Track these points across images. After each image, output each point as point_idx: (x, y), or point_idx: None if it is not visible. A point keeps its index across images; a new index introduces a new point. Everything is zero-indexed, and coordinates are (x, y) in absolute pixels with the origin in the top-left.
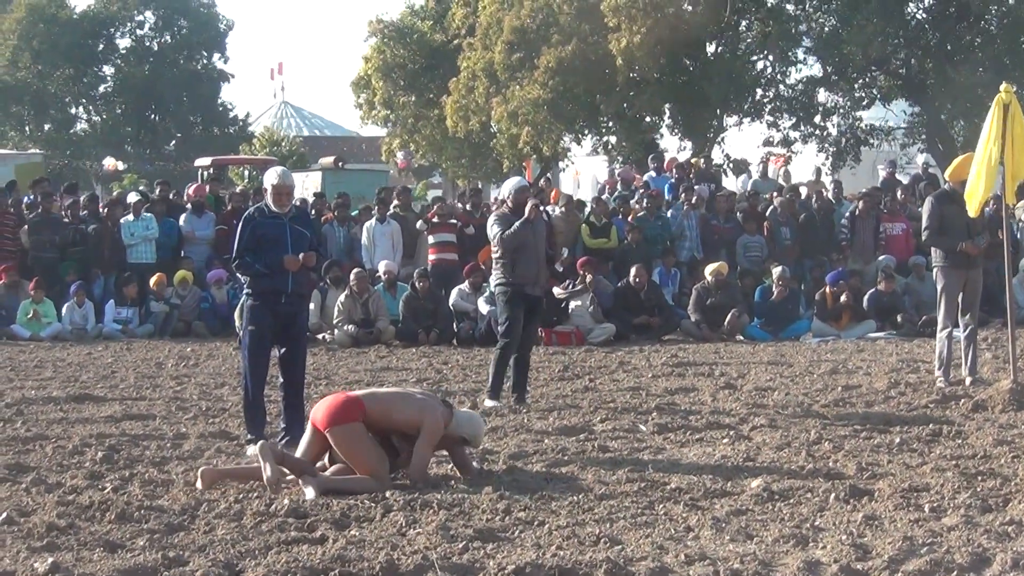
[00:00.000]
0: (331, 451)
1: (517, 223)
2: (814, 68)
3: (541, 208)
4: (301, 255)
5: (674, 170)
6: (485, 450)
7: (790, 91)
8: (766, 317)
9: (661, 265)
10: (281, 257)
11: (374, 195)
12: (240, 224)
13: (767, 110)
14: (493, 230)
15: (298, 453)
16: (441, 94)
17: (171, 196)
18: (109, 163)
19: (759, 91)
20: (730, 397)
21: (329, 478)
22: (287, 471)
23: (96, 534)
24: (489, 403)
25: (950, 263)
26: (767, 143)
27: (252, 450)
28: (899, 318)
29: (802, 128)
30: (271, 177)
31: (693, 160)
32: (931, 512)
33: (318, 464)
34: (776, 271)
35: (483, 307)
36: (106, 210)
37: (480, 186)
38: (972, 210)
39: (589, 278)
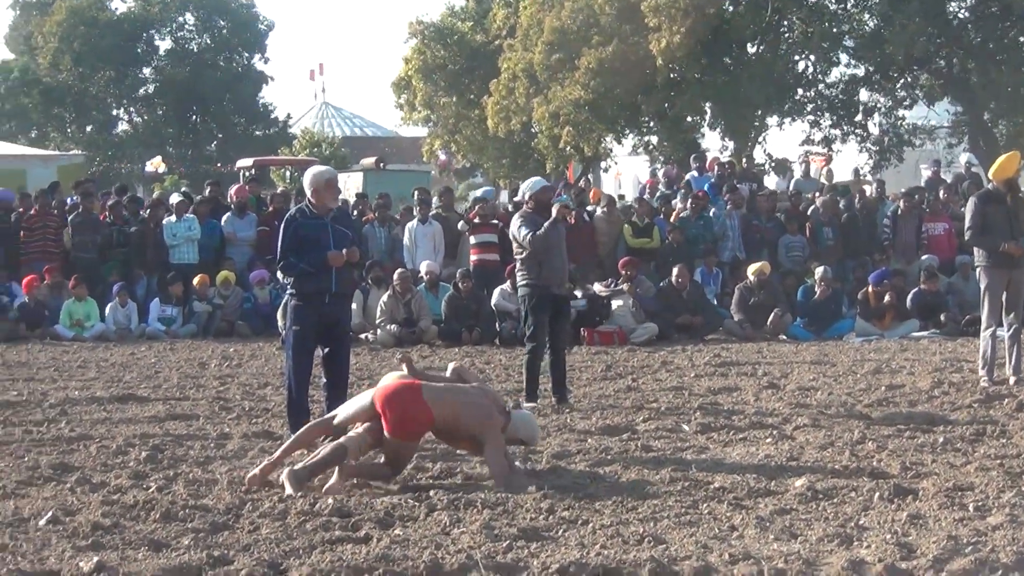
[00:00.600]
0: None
1: (546, 224)
2: (856, 68)
3: (572, 209)
4: (345, 250)
5: (715, 169)
6: (529, 449)
7: (831, 91)
8: (809, 317)
9: (703, 265)
10: (324, 255)
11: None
12: (282, 226)
13: (808, 109)
14: (521, 231)
15: (350, 410)
16: (482, 95)
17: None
18: (153, 163)
19: (800, 91)
20: (773, 397)
21: (357, 466)
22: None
23: (141, 533)
24: (527, 405)
25: (993, 263)
26: (807, 142)
27: None
28: (942, 317)
29: (843, 127)
30: (320, 175)
31: (732, 160)
32: (975, 511)
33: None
34: (818, 271)
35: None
36: (149, 211)
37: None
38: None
39: (627, 286)
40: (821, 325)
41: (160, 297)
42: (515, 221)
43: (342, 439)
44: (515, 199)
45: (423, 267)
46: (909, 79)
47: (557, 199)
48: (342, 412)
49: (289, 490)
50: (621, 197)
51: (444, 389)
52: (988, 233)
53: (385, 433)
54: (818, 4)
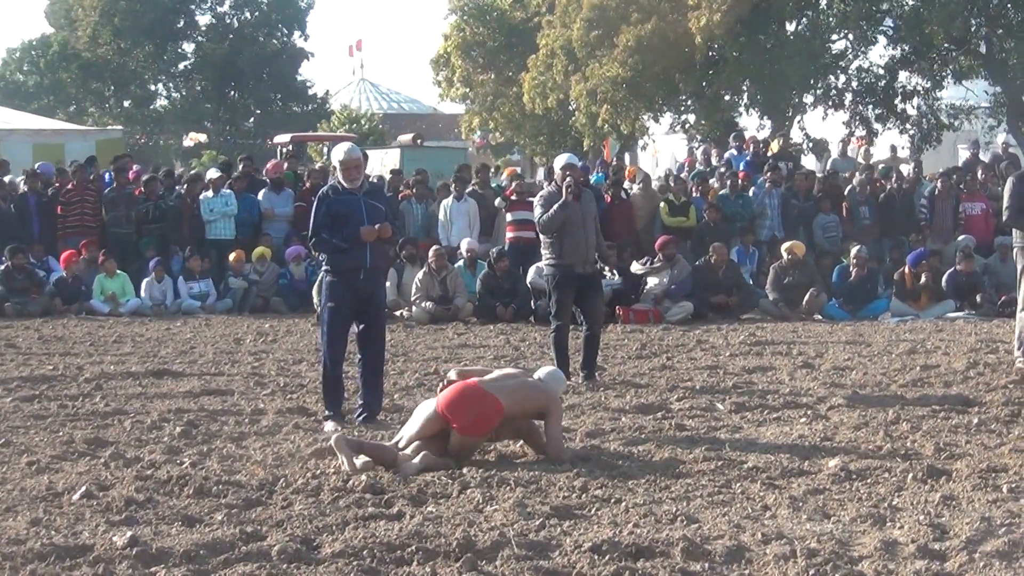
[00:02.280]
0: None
1: (555, 207)
2: (894, 50)
3: (578, 184)
4: (377, 226)
5: (750, 148)
6: (563, 428)
7: (869, 76)
8: (844, 296)
9: (740, 244)
10: (358, 230)
11: (452, 172)
12: (315, 203)
13: (848, 99)
14: (537, 211)
15: (414, 428)
16: (520, 72)
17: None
18: (191, 137)
19: (839, 74)
20: (808, 376)
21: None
22: (368, 458)
23: (174, 508)
24: None
25: None
26: (849, 123)
27: (329, 426)
28: (978, 298)
29: (882, 110)
30: (337, 153)
31: (771, 140)
32: (1009, 493)
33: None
34: (854, 250)
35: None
36: (186, 186)
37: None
38: None
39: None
40: (857, 305)
41: (184, 275)
42: (536, 199)
43: (398, 454)
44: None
45: (463, 244)
46: (946, 59)
47: (597, 176)
48: (406, 432)
49: (341, 457)
50: (665, 175)
51: (498, 378)
52: None
53: (455, 434)
54: None
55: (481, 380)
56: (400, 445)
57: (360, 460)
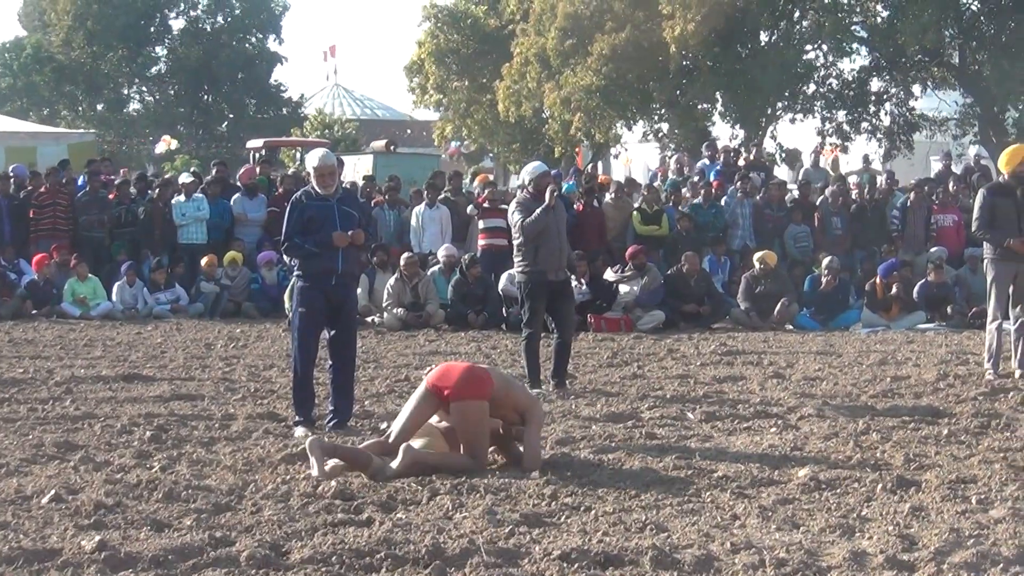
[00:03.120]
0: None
1: (538, 210)
2: (867, 58)
3: (557, 194)
4: (350, 232)
5: (723, 157)
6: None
7: (841, 82)
8: (815, 306)
9: (712, 253)
10: (330, 236)
11: (425, 179)
12: (288, 208)
13: (819, 104)
14: (514, 217)
15: (405, 415)
16: (494, 79)
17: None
18: (163, 141)
19: (812, 83)
20: (778, 386)
21: (425, 453)
22: (341, 461)
23: (143, 513)
24: (531, 392)
25: (1000, 256)
26: (820, 134)
27: (300, 432)
28: (949, 310)
29: (854, 115)
30: (312, 160)
31: (743, 151)
32: (978, 504)
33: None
34: (825, 261)
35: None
36: (158, 190)
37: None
38: None
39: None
40: (828, 315)
41: (148, 287)
42: (512, 207)
43: (375, 458)
44: (517, 184)
45: (441, 251)
46: (919, 69)
47: (568, 184)
48: (396, 424)
49: (311, 460)
50: (632, 182)
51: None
52: (996, 226)
53: (457, 411)
54: None
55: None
56: (391, 440)
57: (331, 464)
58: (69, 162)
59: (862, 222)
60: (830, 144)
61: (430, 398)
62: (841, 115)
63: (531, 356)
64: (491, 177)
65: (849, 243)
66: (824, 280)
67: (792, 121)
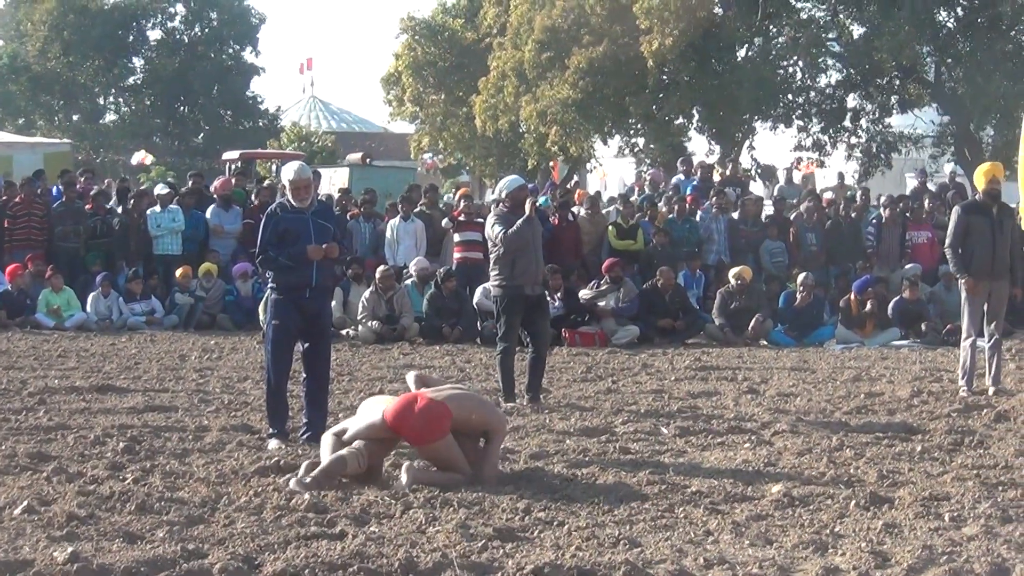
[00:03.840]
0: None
1: (519, 221)
2: (843, 74)
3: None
4: (324, 245)
5: (698, 172)
6: (506, 449)
7: (819, 95)
8: (790, 323)
9: (687, 268)
10: (305, 249)
11: (401, 192)
12: (263, 220)
13: (796, 114)
14: (494, 229)
15: (358, 427)
16: (471, 92)
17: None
18: (139, 156)
19: (788, 96)
20: (752, 402)
21: (425, 470)
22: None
23: (116, 525)
24: (506, 405)
25: (973, 274)
26: (798, 147)
27: (273, 444)
28: (923, 326)
29: (831, 132)
30: (288, 173)
31: (718, 166)
32: (951, 521)
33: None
34: (800, 277)
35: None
36: (132, 201)
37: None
38: None
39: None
40: (802, 331)
41: (124, 296)
42: (490, 219)
43: (343, 451)
44: (492, 197)
45: (413, 265)
46: (895, 86)
47: (543, 198)
48: (352, 427)
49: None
50: (611, 199)
51: (445, 388)
52: (970, 244)
53: (424, 450)
54: (807, 10)
55: (427, 391)
56: (345, 438)
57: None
58: (44, 172)
59: (837, 238)
60: (807, 159)
61: (386, 429)
62: (817, 128)
63: (506, 370)
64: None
65: (824, 259)
66: (799, 296)
67: (773, 129)
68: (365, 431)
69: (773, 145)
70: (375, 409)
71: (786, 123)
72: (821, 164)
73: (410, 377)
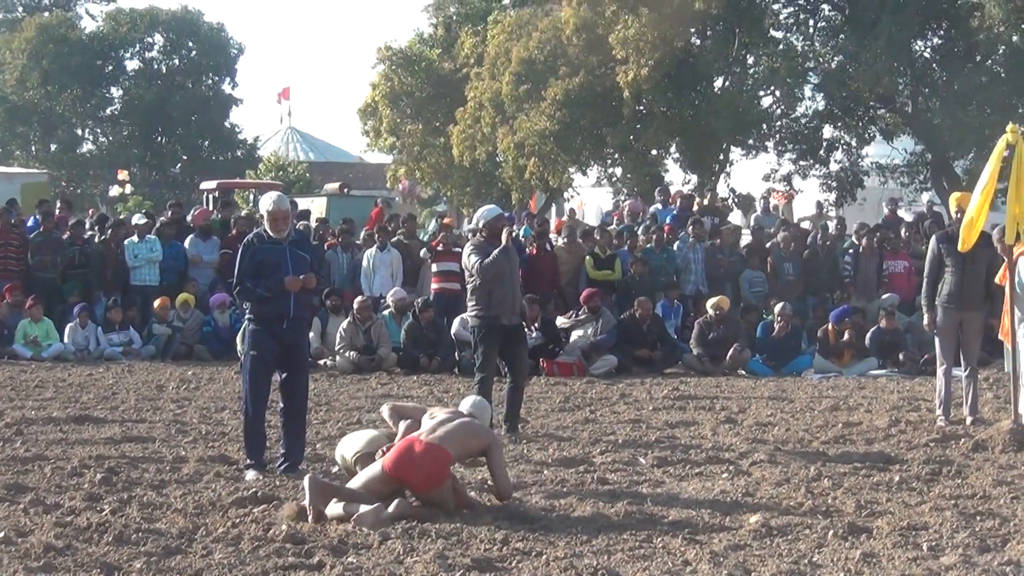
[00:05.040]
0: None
1: (495, 251)
2: (820, 103)
3: (514, 236)
4: (302, 276)
5: (678, 202)
6: (485, 479)
7: (795, 124)
8: (768, 352)
9: (664, 298)
10: (282, 279)
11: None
12: (240, 250)
13: (772, 144)
14: (471, 260)
15: (359, 487)
16: (448, 123)
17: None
18: (118, 184)
19: (764, 126)
20: (730, 432)
21: (411, 505)
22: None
23: (93, 556)
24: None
25: (946, 303)
26: (769, 177)
27: (251, 475)
28: (901, 356)
29: (806, 160)
30: (266, 203)
31: (697, 200)
32: (929, 551)
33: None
34: (777, 307)
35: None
36: (110, 231)
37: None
38: (963, 245)
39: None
40: (780, 361)
41: (103, 326)
42: (466, 249)
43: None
44: (469, 227)
45: (391, 295)
46: (871, 116)
47: (522, 229)
48: (353, 484)
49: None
50: (587, 233)
51: (433, 425)
52: (945, 272)
53: (422, 495)
54: (784, 40)
55: (420, 434)
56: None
57: (334, 509)
58: (16, 201)
59: (814, 268)
60: (778, 190)
61: (390, 482)
62: (788, 162)
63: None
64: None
65: (801, 289)
66: (776, 326)
67: (747, 155)
68: (367, 484)
69: (750, 174)
70: (373, 468)
71: (762, 150)
72: (791, 197)
73: (385, 411)
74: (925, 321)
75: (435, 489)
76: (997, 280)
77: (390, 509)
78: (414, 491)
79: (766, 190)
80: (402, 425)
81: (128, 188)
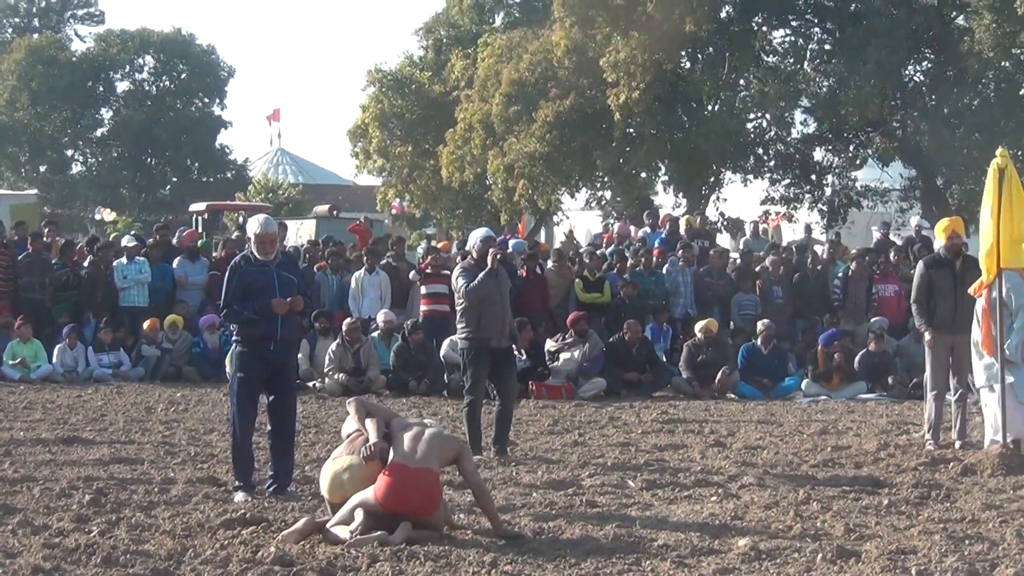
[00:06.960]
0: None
1: (481, 275)
2: (810, 127)
3: (498, 258)
4: (289, 299)
5: (667, 225)
6: (473, 503)
7: (787, 148)
8: (752, 372)
9: (653, 321)
10: (269, 302)
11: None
12: (227, 273)
13: (765, 168)
14: (459, 282)
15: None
16: (438, 145)
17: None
18: (103, 212)
19: (758, 150)
20: (719, 455)
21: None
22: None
23: None
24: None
25: (935, 327)
26: (766, 201)
27: (239, 497)
28: (890, 380)
29: (799, 186)
30: (253, 226)
31: (686, 218)
32: (918, 575)
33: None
34: (760, 324)
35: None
36: (99, 253)
37: None
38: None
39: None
40: (766, 378)
41: (93, 346)
42: (455, 272)
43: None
44: (462, 249)
45: (380, 317)
46: (862, 140)
47: (519, 241)
48: (343, 521)
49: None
50: (575, 257)
51: (410, 442)
52: (933, 297)
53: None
54: (775, 64)
55: (401, 456)
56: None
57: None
58: (2, 223)
59: (803, 291)
60: (775, 212)
61: (388, 516)
62: (786, 180)
63: (472, 423)
64: (437, 243)
65: (791, 312)
66: (759, 341)
67: (744, 182)
68: (367, 521)
69: (741, 198)
70: (364, 497)
71: (757, 174)
72: (790, 218)
73: (351, 405)
74: (927, 338)
75: (435, 512)
76: (971, 292)
77: (395, 536)
78: (411, 519)
79: (761, 214)
80: (370, 424)
81: (113, 216)
